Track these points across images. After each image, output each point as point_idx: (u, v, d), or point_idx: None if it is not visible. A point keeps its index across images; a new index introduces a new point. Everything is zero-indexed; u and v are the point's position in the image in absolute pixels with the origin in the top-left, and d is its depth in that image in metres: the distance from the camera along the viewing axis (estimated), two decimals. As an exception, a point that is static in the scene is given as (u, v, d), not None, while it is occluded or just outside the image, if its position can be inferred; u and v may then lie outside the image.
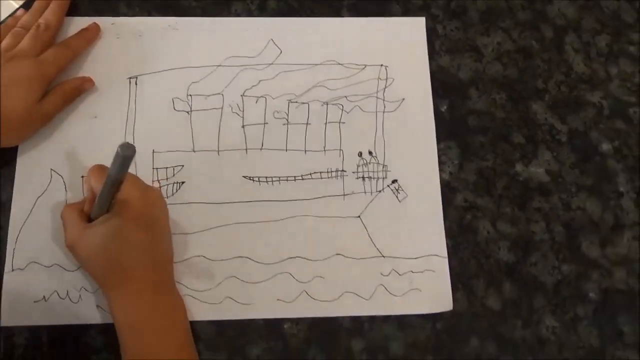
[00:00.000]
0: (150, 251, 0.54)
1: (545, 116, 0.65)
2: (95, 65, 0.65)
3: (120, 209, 0.53)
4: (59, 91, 0.62)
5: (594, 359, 0.58)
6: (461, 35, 0.67)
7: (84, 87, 0.63)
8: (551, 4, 0.69)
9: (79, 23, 0.66)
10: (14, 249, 0.59)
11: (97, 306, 0.58)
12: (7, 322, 0.57)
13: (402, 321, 0.59)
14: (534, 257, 0.61)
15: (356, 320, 0.59)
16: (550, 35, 0.68)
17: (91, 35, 0.65)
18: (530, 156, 0.64)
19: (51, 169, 0.61)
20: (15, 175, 0.61)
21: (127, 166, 0.47)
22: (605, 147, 0.65)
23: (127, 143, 0.45)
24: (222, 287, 0.60)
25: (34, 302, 0.58)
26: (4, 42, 0.61)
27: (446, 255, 0.61)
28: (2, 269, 0.58)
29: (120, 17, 0.66)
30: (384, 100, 0.65)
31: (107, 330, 0.57)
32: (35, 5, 0.65)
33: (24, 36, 0.62)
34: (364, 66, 0.66)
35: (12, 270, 0.59)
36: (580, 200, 0.63)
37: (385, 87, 0.66)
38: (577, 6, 0.69)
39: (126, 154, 0.45)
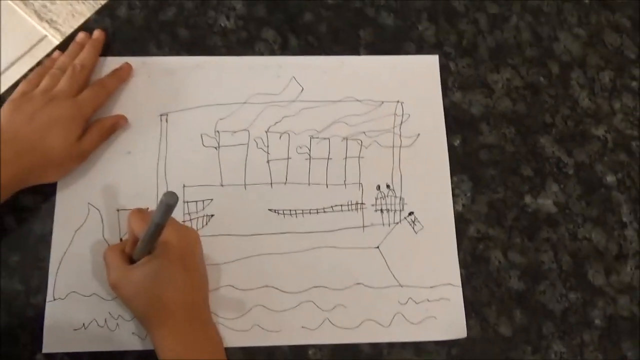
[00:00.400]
0: (189, 290, 0.58)
1: (553, 150, 0.69)
2: (128, 103, 0.68)
3: (161, 250, 0.57)
4: (96, 129, 0.65)
5: (599, 382, 0.63)
6: (472, 72, 0.71)
7: (119, 125, 0.67)
8: (557, 41, 0.73)
9: (112, 63, 0.69)
10: (55, 279, 0.63)
11: (133, 333, 0.62)
12: (49, 348, 0.61)
13: (419, 347, 0.63)
14: (542, 285, 0.65)
15: (375, 346, 0.63)
16: (557, 72, 0.72)
17: (124, 74, 0.68)
18: (538, 188, 0.68)
19: (88, 203, 0.65)
20: (55, 210, 0.64)
21: (170, 213, 0.51)
22: (610, 179, 0.69)
23: (171, 192, 0.49)
24: (250, 315, 0.63)
25: (74, 329, 0.62)
26: (43, 84, 0.65)
27: (460, 284, 0.65)
28: (44, 298, 0.62)
29: (151, 57, 0.70)
30: (400, 135, 0.69)
31: (144, 357, 0.61)
32: (71, 47, 0.69)
33: (61, 77, 0.65)
34: (381, 102, 0.70)
35: (54, 299, 0.63)
36: (586, 230, 0.67)
37: (402, 122, 0.70)
38: (582, 43, 0.73)
39: (170, 202, 0.49)
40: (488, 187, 0.68)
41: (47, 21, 1.60)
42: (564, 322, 0.64)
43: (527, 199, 0.68)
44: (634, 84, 0.72)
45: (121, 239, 0.65)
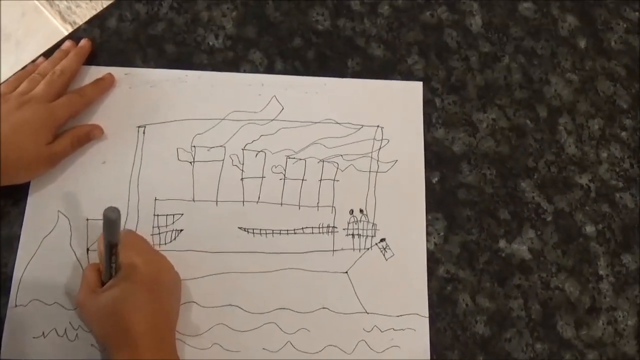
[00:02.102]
0: (154, 316, 0.57)
1: (533, 195, 0.68)
2: (107, 112, 0.68)
3: (126, 273, 0.57)
4: (69, 136, 0.65)
5: None
6: (458, 110, 0.70)
7: (92, 134, 0.67)
8: (549, 84, 0.72)
9: (95, 72, 0.69)
10: (18, 285, 0.63)
11: (92, 345, 0.61)
12: (6, 355, 0.61)
13: (376, 385, 0.61)
14: (509, 332, 0.63)
15: (333, 378, 0.61)
16: (545, 116, 0.70)
17: (106, 85, 0.68)
18: (514, 233, 0.66)
19: (58, 211, 0.65)
20: (25, 215, 0.64)
21: (115, 228, 0.51)
22: (589, 229, 0.67)
23: (112, 207, 0.49)
24: (211, 334, 0.63)
25: (33, 337, 0.61)
26: (21, 87, 0.65)
27: (427, 315, 0.63)
28: (5, 304, 0.62)
29: (134, 68, 0.70)
30: (378, 160, 0.68)
31: (97, 370, 0.61)
32: (55, 53, 0.69)
33: (39, 82, 0.66)
34: (360, 126, 0.69)
35: (15, 306, 0.62)
36: (560, 280, 0.65)
37: (380, 147, 0.69)
38: (574, 89, 0.72)
39: (110, 217, 0.49)
40: (462, 228, 0.66)
41: (70, 23, 1.62)
42: (528, 373, 0.63)
43: (502, 243, 0.66)
44: (624, 134, 0.70)
45: (87, 249, 0.64)
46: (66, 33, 0.67)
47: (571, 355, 0.63)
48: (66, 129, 0.66)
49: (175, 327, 0.61)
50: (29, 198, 0.65)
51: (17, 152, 0.61)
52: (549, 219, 0.67)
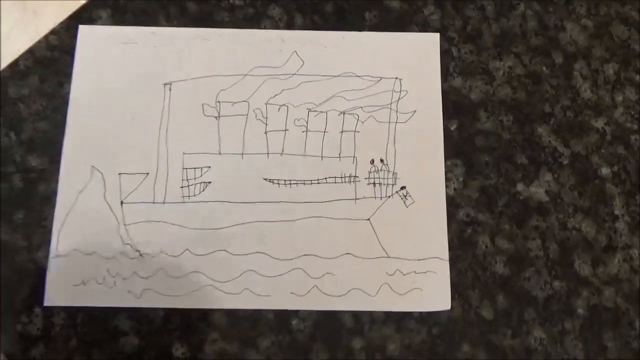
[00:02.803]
0: None
1: (549, 139, 0.69)
2: (135, 70, 0.71)
3: None
4: None
5: (576, 370, 0.64)
6: (474, 58, 0.71)
7: None
8: (564, 31, 0.73)
9: (123, 32, 0.72)
10: (57, 237, 0.66)
11: (129, 291, 0.65)
12: (49, 302, 0.64)
13: (400, 324, 0.64)
14: (528, 272, 0.66)
15: (358, 320, 0.64)
16: (560, 62, 0.72)
17: None
18: (531, 177, 0.68)
19: (92, 166, 0.68)
20: (60, 172, 0.67)
21: None
22: (605, 171, 0.69)
23: None
24: (241, 279, 0.66)
25: (74, 285, 0.65)
26: None
27: (447, 258, 0.66)
28: (46, 255, 0.65)
29: (160, 27, 0.72)
30: (397, 111, 0.70)
31: (137, 314, 0.64)
32: None
33: None
34: (379, 78, 0.71)
35: (56, 256, 0.66)
36: (576, 220, 0.67)
37: (399, 98, 0.71)
38: (589, 34, 0.73)
39: None
40: (481, 173, 0.68)
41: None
42: (547, 309, 0.65)
43: (520, 186, 0.68)
44: (638, 77, 0.71)
45: (121, 202, 0.67)
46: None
47: (588, 291, 0.65)
48: None
49: None
50: (62, 155, 0.68)
51: None
52: (566, 162, 0.69)
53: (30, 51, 0.71)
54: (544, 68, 0.72)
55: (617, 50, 0.72)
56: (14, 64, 0.71)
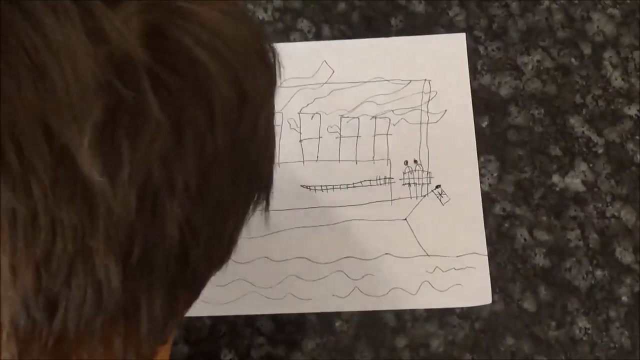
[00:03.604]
0: None
1: (582, 129, 0.69)
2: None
3: None
4: None
5: (625, 359, 0.63)
6: (502, 55, 0.72)
7: None
8: (590, 22, 0.73)
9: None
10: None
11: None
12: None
13: (442, 320, 0.65)
14: (568, 262, 0.66)
15: (400, 318, 0.65)
16: (589, 52, 0.72)
17: None
18: (566, 168, 0.68)
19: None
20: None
21: None
22: (641, 158, 0.68)
23: None
24: (283, 285, 0.67)
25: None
26: None
27: (486, 253, 0.66)
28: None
29: (193, 48, 0.75)
30: (427, 112, 0.71)
31: (184, 324, 0.66)
32: None
33: None
34: (408, 81, 0.73)
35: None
36: (615, 209, 0.67)
37: (429, 99, 0.72)
38: (616, 23, 0.73)
39: None
40: (515, 167, 0.69)
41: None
42: (590, 298, 0.64)
43: (555, 178, 0.68)
44: (670, 62, 0.71)
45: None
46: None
47: (631, 278, 0.65)
48: None
49: None
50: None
51: None
52: (600, 151, 0.69)
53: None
54: (573, 60, 0.72)
55: (646, 37, 0.72)
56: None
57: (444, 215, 0.68)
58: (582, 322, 0.64)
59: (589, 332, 0.63)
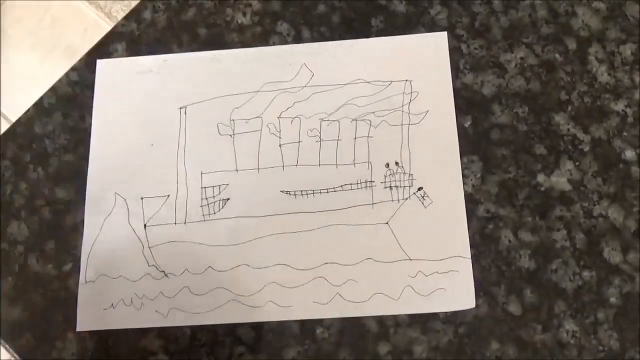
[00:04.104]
0: None
1: (568, 127, 0.67)
2: (151, 98, 0.73)
3: None
4: None
5: (614, 362, 0.61)
6: (484, 53, 0.71)
7: None
8: (575, 16, 0.71)
9: (138, 62, 0.74)
10: (86, 264, 0.68)
11: (156, 311, 0.66)
12: (82, 327, 0.66)
13: (426, 325, 0.63)
14: (554, 264, 0.64)
15: (383, 325, 0.63)
16: (574, 47, 0.70)
17: None
18: (552, 166, 0.66)
19: (115, 193, 0.70)
20: (86, 201, 0.70)
21: None
22: (629, 154, 0.66)
23: None
24: (264, 292, 0.66)
25: (104, 309, 0.67)
26: None
27: (469, 256, 0.65)
28: (76, 282, 0.67)
29: (171, 54, 0.74)
30: (409, 113, 0.70)
31: (164, 333, 0.65)
32: None
33: None
34: (389, 82, 0.71)
35: (85, 282, 0.68)
36: (602, 207, 0.65)
37: (410, 100, 0.70)
38: (602, 17, 0.71)
39: None
40: (499, 167, 0.67)
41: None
42: (577, 300, 0.62)
43: (540, 177, 0.66)
44: (658, 56, 0.69)
45: (145, 225, 0.69)
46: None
47: (620, 279, 0.63)
48: None
49: None
50: (87, 185, 0.70)
51: None
52: (587, 149, 0.67)
53: (54, 89, 0.74)
54: (557, 55, 0.70)
55: (633, 30, 0.70)
56: (39, 102, 0.74)
57: (427, 218, 0.67)
58: (570, 325, 0.62)
59: (577, 335, 0.62)
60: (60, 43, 1.69)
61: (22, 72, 1.67)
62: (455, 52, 0.71)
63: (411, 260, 0.66)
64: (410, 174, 0.68)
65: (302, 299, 0.65)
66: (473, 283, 0.63)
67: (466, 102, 0.69)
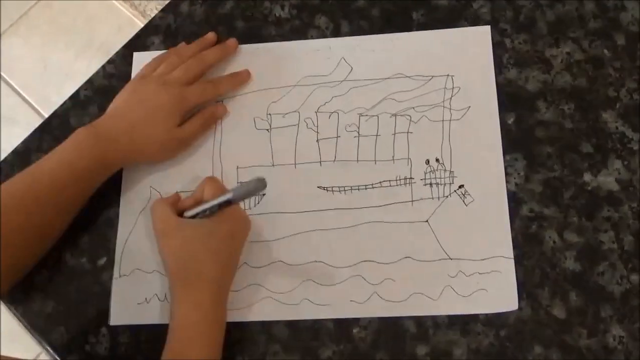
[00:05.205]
0: (223, 267, 0.61)
1: (616, 125, 0.65)
2: (189, 90, 0.72)
3: (218, 220, 0.61)
4: (196, 118, 0.70)
5: (663, 370, 0.58)
6: (529, 48, 0.69)
7: (217, 113, 0.71)
8: (625, 11, 0.69)
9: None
10: (120, 258, 0.68)
11: (189, 307, 0.65)
12: (115, 321, 0.66)
13: (465, 328, 0.61)
14: (601, 266, 0.61)
15: (421, 325, 0.62)
16: (623, 43, 0.68)
17: (241, 79, 0.72)
18: (599, 166, 0.64)
19: (150, 187, 0.69)
20: (121, 195, 0.69)
21: (251, 196, 0.60)
22: (681, 154, 0.64)
23: (262, 179, 0.55)
24: (300, 290, 0.65)
25: (138, 304, 0.66)
26: (160, 69, 0.70)
27: (512, 256, 0.63)
28: (110, 276, 0.67)
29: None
30: (450, 109, 0.68)
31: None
32: (198, 41, 0.73)
33: (178, 65, 0.69)
34: (430, 77, 0.70)
35: (120, 276, 0.67)
36: (652, 208, 0.62)
37: (452, 96, 0.69)
38: (652, 12, 0.68)
39: (259, 187, 0.56)
40: (544, 166, 0.65)
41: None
42: (625, 305, 0.60)
43: (587, 176, 0.64)
44: None
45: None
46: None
47: (671, 284, 0.60)
48: (194, 112, 0.70)
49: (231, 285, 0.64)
50: (123, 179, 0.70)
51: (148, 135, 0.66)
52: (636, 147, 0.64)
53: (90, 81, 0.74)
54: (606, 51, 0.68)
55: (685, 25, 0.68)
56: (75, 95, 0.74)
57: (468, 216, 0.65)
58: (616, 330, 0.59)
59: (624, 340, 0.59)
60: (94, 41, 1.70)
61: (57, 68, 1.68)
62: (498, 47, 0.69)
63: (451, 259, 0.64)
64: (451, 171, 0.66)
65: (339, 298, 0.64)
66: (516, 284, 0.61)
67: (510, 98, 0.67)
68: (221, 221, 0.60)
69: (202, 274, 0.59)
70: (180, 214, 0.63)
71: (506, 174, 0.65)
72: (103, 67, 0.75)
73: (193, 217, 0.62)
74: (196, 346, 0.58)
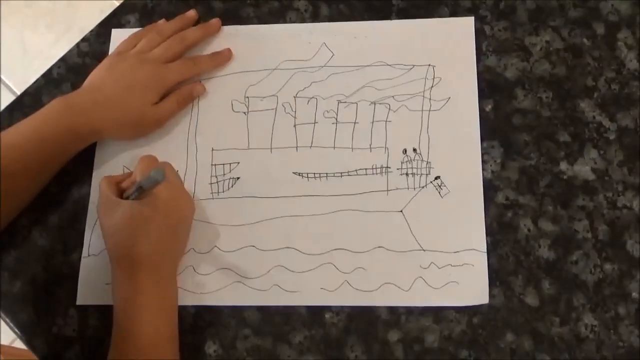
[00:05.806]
0: (159, 247, 0.60)
1: (593, 114, 0.65)
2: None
3: (147, 201, 0.59)
4: (174, 96, 0.69)
5: (634, 359, 0.58)
6: (509, 35, 0.68)
7: (196, 92, 0.70)
8: (605, 0, 0.68)
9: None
10: (90, 237, 0.67)
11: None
12: (82, 301, 0.65)
13: (438, 314, 0.61)
14: (575, 255, 0.61)
15: (394, 312, 0.61)
16: (602, 33, 0.67)
17: (222, 59, 0.71)
18: (575, 155, 0.64)
19: (123, 166, 0.68)
20: (93, 174, 0.68)
21: (154, 186, 0.57)
22: (657, 145, 0.64)
23: (161, 170, 0.54)
24: (270, 275, 0.64)
25: (106, 284, 0.65)
26: (139, 45, 0.69)
27: (485, 250, 0.62)
28: (79, 257, 0.66)
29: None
30: (430, 99, 0.68)
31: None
32: (177, 18, 0.72)
33: (158, 42, 0.69)
34: (411, 66, 0.69)
35: (88, 255, 0.66)
36: (627, 198, 0.62)
37: (432, 86, 0.68)
38: (632, 2, 0.68)
39: (157, 179, 0.55)
40: (520, 154, 0.64)
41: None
42: (597, 294, 0.60)
43: (563, 165, 0.64)
44: (691, 43, 0.66)
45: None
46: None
47: (643, 274, 0.60)
48: (171, 91, 0.69)
49: (180, 258, 0.64)
50: (95, 157, 0.69)
51: (123, 111, 0.66)
52: (612, 137, 0.64)
53: (63, 59, 0.73)
54: (585, 40, 0.67)
55: (664, 17, 0.67)
56: (47, 73, 0.72)
57: (443, 208, 0.64)
58: (589, 319, 0.59)
59: (596, 329, 0.59)
60: (75, 24, 1.67)
61: (37, 52, 1.66)
62: (478, 34, 0.69)
63: (424, 251, 0.63)
64: (428, 162, 0.66)
65: (309, 285, 0.63)
66: (487, 278, 0.61)
67: (488, 86, 0.67)
68: (153, 202, 0.59)
69: (138, 254, 0.58)
70: (122, 193, 0.63)
71: (483, 161, 0.64)
72: (77, 45, 0.73)
73: (127, 198, 0.61)
74: (142, 326, 0.57)
